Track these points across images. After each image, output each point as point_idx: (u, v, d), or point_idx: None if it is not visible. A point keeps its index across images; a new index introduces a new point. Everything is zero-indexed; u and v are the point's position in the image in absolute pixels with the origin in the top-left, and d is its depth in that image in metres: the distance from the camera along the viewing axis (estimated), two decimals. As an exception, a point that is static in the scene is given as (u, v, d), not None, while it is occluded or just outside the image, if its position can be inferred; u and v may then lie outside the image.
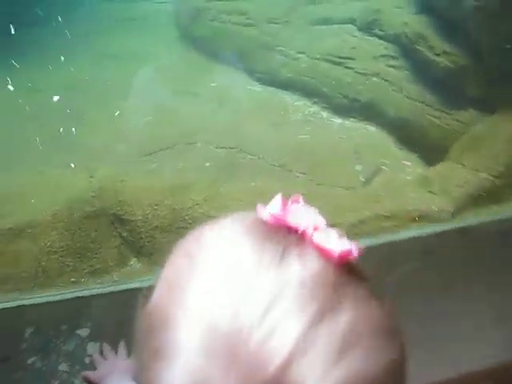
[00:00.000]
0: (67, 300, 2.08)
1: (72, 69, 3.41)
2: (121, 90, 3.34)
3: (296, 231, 0.54)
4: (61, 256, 2.22)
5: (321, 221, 0.55)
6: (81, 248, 2.26)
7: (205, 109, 3.46)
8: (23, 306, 2.06)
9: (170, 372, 0.48)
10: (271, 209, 0.56)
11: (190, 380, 0.46)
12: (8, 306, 2.08)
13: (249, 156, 3.08)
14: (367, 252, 0.55)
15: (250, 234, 0.54)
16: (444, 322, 1.81)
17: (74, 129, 2.87)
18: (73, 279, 2.20)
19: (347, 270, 0.52)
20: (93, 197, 2.38)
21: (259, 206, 0.57)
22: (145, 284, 2.14)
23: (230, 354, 0.45)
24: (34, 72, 3.65)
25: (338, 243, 0.52)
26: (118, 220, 2.35)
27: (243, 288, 0.49)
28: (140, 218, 2.33)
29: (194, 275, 0.53)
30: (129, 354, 1.45)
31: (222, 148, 3.19)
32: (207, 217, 2.31)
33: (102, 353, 1.42)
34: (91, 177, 2.53)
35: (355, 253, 0.53)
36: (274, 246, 0.52)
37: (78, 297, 2.10)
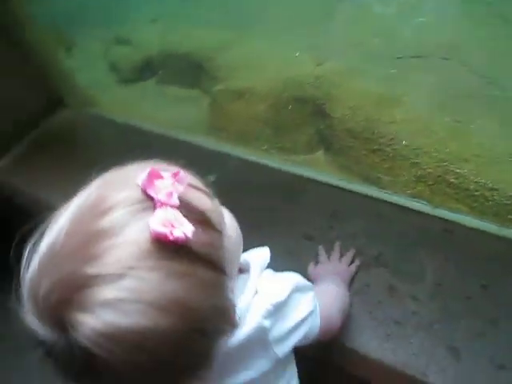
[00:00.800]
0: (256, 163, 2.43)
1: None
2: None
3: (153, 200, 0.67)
4: (262, 125, 2.57)
5: (174, 201, 0.66)
6: (279, 124, 2.56)
7: (484, 24, 3.07)
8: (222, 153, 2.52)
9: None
10: (140, 177, 0.69)
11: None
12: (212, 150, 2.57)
13: (497, 91, 2.71)
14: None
15: (129, 188, 0.69)
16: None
17: (332, 16, 2.97)
18: (264, 147, 2.55)
19: (165, 248, 0.63)
20: (308, 84, 2.57)
21: (140, 171, 0.72)
22: (320, 178, 2.34)
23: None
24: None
25: (158, 224, 0.63)
26: (321, 112, 2.52)
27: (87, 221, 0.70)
28: (339, 116, 2.45)
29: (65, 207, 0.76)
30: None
31: (473, 73, 2.87)
32: (392, 138, 2.28)
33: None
34: (318, 65, 2.69)
35: (177, 237, 0.63)
36: (136, 203, 0.68)
37: (263, 164, 2.43)
